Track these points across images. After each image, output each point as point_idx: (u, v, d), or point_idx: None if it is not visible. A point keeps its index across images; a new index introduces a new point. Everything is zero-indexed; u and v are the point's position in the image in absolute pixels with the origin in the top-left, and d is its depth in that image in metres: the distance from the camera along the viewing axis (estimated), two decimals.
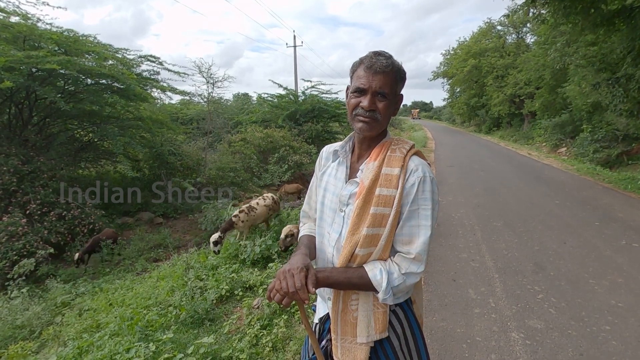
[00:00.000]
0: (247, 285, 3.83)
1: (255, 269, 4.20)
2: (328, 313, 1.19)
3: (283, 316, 3.05)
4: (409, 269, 1.05)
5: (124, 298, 4.26)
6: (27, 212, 6.64)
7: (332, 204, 1.18)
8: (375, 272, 1.05)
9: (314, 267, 1.11)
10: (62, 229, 6.95)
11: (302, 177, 13.33)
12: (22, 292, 5.11)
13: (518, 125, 24.71)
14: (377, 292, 1.05)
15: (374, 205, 1.05)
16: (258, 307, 3.37)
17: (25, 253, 6.05)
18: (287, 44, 23.02)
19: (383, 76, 1.05)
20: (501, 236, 4.98)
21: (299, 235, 1.34)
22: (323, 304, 1.25)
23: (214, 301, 3.63)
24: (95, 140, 10.07)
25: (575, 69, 11.10)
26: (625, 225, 5.30)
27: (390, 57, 1.09)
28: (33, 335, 4.15)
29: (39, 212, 6.76)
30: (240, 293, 3.67)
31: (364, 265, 1.07)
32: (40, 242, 6.34)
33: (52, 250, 6.37)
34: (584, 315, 3.00)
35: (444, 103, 44.25)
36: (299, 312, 3.15)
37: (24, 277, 5.62)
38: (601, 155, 12.22)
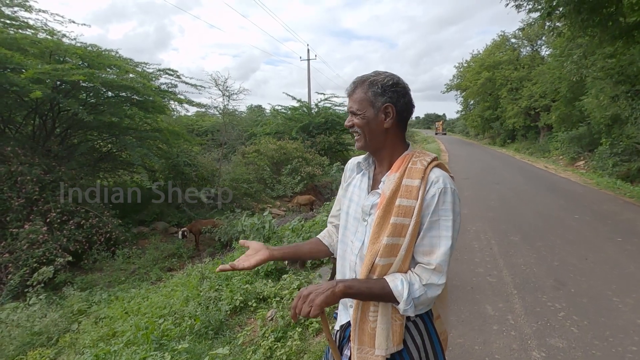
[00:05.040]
0: (261, 297, 3.82)
1: (269, 280, 4.19)
2: (349, 321, 1.20)
3: (297, 329, 3.03)
4: (430, 280, 1.06)
5: (140, 307, 4.30)
6: (48, 220, 6.82)
7: (356, 213, 1.21)
8: (397, 282, 1.05)
9: (335, 277, 1.13)
10: (80, 237, 7.10)
11: (315, 189, 13.36)
12: (41, 299, 5.21)
13: (534, 138, 24.35)
14: (397, 303, 1.06)
15: (394, 216, 1.07)
16: (272, 319, 3.36)
17: (44, 260, 6.19)
18: (300, 57, 23.46)
19: (350, 98, 1.18)
20: (519, 251, 4.87)
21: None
22: (345, 312, 1.26)
23: (228, 312, 3.64)
24: (114, 150, 10.36)
25: (593, 81, 10.94)
26: None
27: (358, 80, 1.18)
28: (50, 342, 4.21)
29: (58, 220, 6.94)
30: (254, 304, 3.66)
31: (385, 277, 1.08)
32: (59, 250, 6.49)
33: (70, 258, 6.51)
34: (609, 335, 2.89)
35: (457, 115, 43.99)
36: (313, 324, 3.13)
37: (42, 284, 5.74)
38: (621, 169, 11.91)
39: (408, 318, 1.13)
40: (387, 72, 1.17)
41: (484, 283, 3.91)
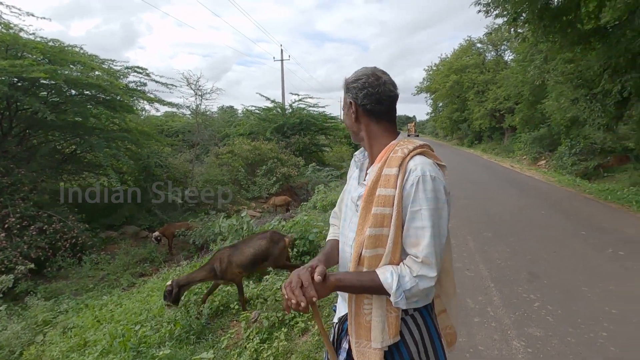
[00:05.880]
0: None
1: (251, 282, 4.12)
2: (347, 313, 1.19)
3: (283, 329, 2.98)
4: (421, 272, 1.03)
5: (113, 314, 4.09)
6: (6, 226, 6.35)
7: (350, 204, 1.23)
8: (387, 274, 1.04)
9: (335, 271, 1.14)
10: (43, 243, 6.67)
11: (291, 190, 13.27)
12: (0, 310, 4.84)
13: (499, 139, 25.45)
14: (389, 295, 1.05)
15: (375, 206, 1.08)
16: (256, 321, 3.29)
17: (3, 269, 5.77)
18: (274, 57, 23.29)
19: None
20: (493, 246, 5.06)
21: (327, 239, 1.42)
22: (343, 304, 1.24)
23: (209, 315, 3.53)
24: (78, 152, 9.81)
25: (554, 85, 11.57)
26: (609, 234, 5.47)
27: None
28: (13, 356, 3.92)
29: (18, 226, 6.48)
30: (237, 306, 3.58)
31: (376, 269, 1.07)
32: (20, 258, 6.06)
33: (32, 266, 6.09)
34: (581, 322, 3.04)
35: (427, 117, 45.26)
36: (298, 324, 3.09)
37: (1, 295, 5.35)
38: (579, 168, 12.70)
39: (406, 312, 1.13)
40: (360, 69, 1.22)
41: (463, 277, 4.02)
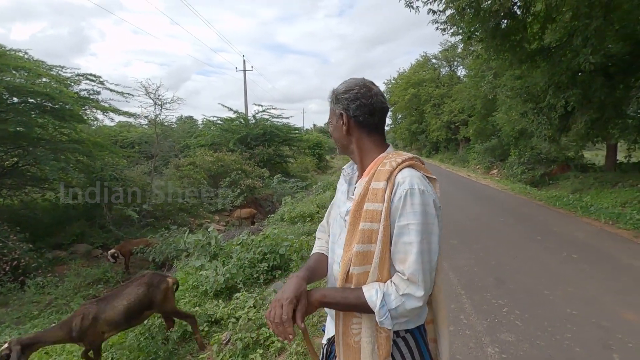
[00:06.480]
0: (213, 319, 3.54)
1: (220, 301, 3.92)
2: None
3: (258, 350, 2.84)
4: (407, 290, 0.99)
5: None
6: None
7: (339, 219, 1.19)
8: (372, 292, 1.00)
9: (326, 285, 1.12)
10: None
11: (255, 202, 13.02)
12: None
13: (454, 149, 26.81)
14: (374, 313, 1.01)
15: (362, 221, 1.04)
16: (228, 343, 3.12)
17: None
18: (236, 68, 22.97)
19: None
20: (459, 253, 5.22)
21: (312, 253, 1.35)
22: (332, 324, 1.18)
23: (176, 340, 3.29)
24: (20, 164, 8.99)
25: (504, 99, 12.40)
26: (562, 238, 5.85)
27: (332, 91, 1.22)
28: None
29: None
30: (206, 328, 3.38)
31: (362, 287, 1.03)
32: None
33: None
34: (547, 325, 3.18)
35: (387, 128, 46.70)
36: (274, 343, 2.96)
37: None
38: (528, 176, 13.65)
39: (397, 334, 1.08)
40: (350, 80, 1.19)
41: None
